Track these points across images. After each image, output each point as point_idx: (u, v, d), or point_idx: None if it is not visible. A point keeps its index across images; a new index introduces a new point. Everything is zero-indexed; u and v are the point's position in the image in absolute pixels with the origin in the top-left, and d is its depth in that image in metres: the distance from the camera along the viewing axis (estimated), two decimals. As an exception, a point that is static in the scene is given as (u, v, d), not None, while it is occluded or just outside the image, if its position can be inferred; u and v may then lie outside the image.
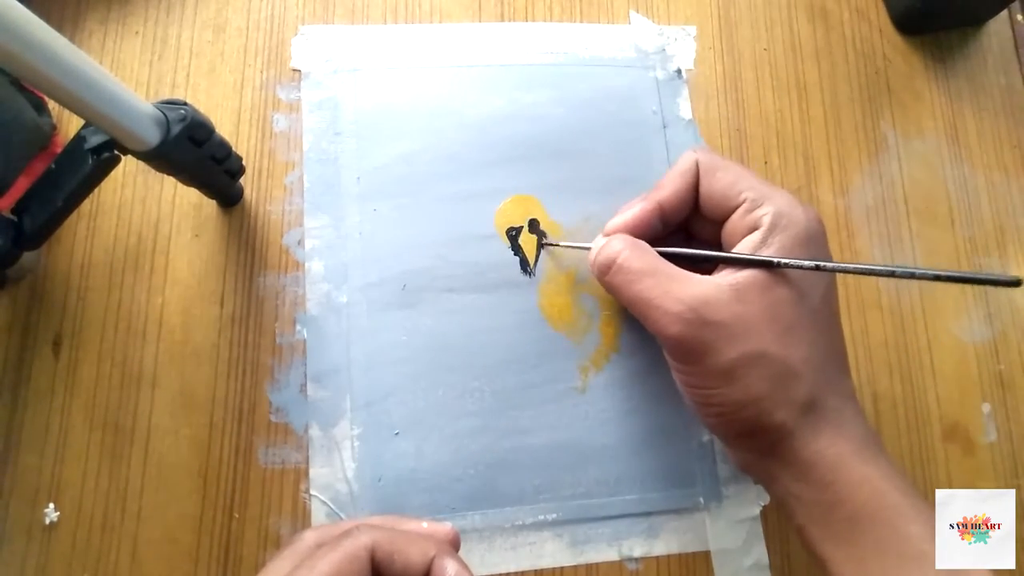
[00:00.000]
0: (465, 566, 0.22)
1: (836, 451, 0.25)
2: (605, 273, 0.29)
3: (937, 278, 0.23)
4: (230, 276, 0.33)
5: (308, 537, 0.24)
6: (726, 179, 0.29)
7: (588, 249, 0.31)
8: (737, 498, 0.33)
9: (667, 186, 0.30)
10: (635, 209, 0.30)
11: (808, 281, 0.27)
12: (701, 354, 0.26)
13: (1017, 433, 0.37)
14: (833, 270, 0.26)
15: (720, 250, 0.29)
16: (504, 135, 0.36)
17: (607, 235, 0.30)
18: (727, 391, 0.26)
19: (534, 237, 0.35)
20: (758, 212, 0.27)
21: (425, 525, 0.25)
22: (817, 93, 0.40)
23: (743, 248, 0.27)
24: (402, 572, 0.22)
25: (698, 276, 0.27)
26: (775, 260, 0.26)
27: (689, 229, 0.31)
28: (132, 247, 0.33)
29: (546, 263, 0.35)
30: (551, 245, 0.35)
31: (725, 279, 0.26)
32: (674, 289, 0.26)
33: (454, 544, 0.25)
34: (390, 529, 0.23)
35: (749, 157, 0.38)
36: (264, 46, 0.36)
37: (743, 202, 0.28)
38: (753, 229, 0.27)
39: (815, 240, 0.27)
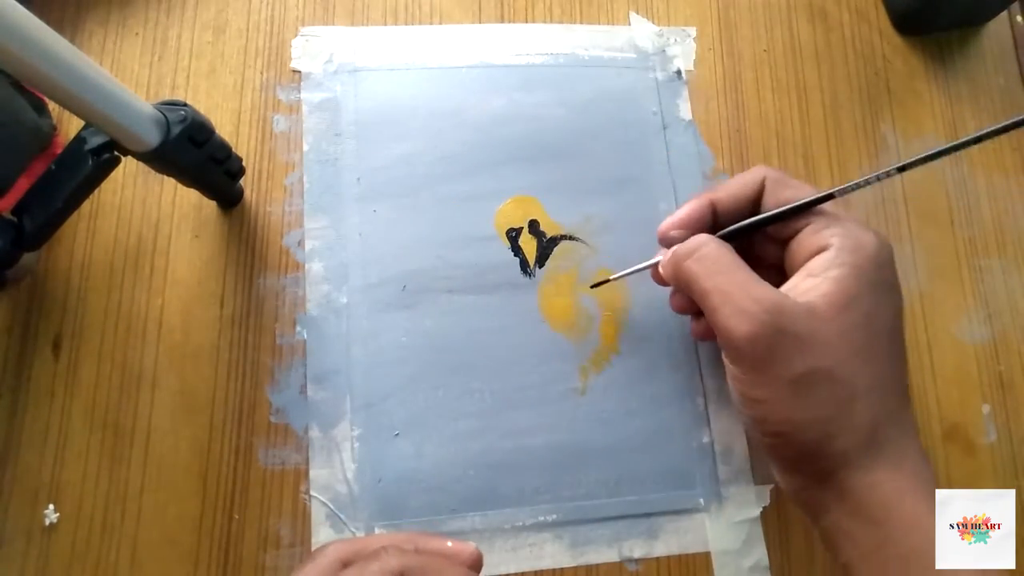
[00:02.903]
0: None
1: (893, 487, 0.24)
2: (685, 259, 0.27)
3: (978, 140, 0.24)
4: (230, 277, 0.33)
5: (331, 552, 0.23)
6: (794, 196, 0.28)
7: (652, 266, 0.31)
8: (737, 499, 0.33)
9: (726, 188, 0.29)
10: (688, 206, 0.29)
11: (880, 307, 0.26)
12: (768, 362, 0.25)
13: (1017, 434, 0.37)
14: (914, 164, 0.26)
15: (784, 275, 0.28)
16: (504, 136, 0.36)
17: (662, 231, 0.30)
18: (791, 408, 0.25)
19: (534, 238, 0.35)
20: (826, 232, 0.27)
21: (450, 544, 0.24)
22: (817, 94, 0.40)
23: (813, 266, 0.26)
24: None
25: (774, 288, 0.26)
26: (834, 191, 0.26)
27: (753, 251, 0.31)
28: (132, 248, 0.33)
29: (548, 264, 0.35)
30: (603, 284, 0.34)
31: (800, 296, 0.26)
32: (752, 289, 0.26)
33: (477, 566, 0.24)
34: (417, 552, 0.23)
35: (749, 158, 0.38)
36: (264, 47, 0.36)
37: (811, 222, 0.27)
38: (821, 249, 0.27)
39: (885, 263, 0.27)
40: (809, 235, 0.27)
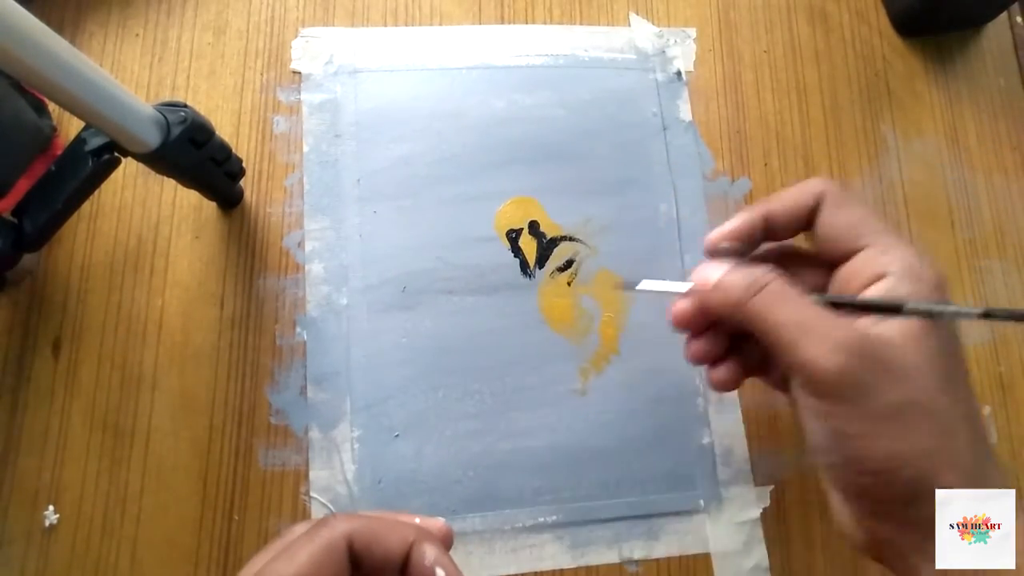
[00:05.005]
0: (446, 553, 0.21)
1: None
2: (752, 292, 0.24)
3: None
4: (230, 278, 0.33)
5: (297, 530, 0.23)
6: (852, 216, 0.26)
7: (682, 292, 0.27)
8: (737, 500, 0.33)
9: (781, 199, 0.27)
10: (739, 217, 0.27)
11: (951, 337, 0.24)
12: (863, 394, 0.22)
13: (1017, 435, 0.37)
14: (1006, 317, 0.23)
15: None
16: (504, 137, 0.36)
17: (712, 242, 0.27)
18: (890, 439, 0.22)
19: (534, 239, 0.35)
20: (883, 259, 0.24)
21: (418, 520, 0.23)
22: (817, 95, 0.40)
23: (871, 294, 0.24)
24: (382, 560, 0.21)
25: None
26: (943, 308, 0.23)
27: (788, 275, 0.26)
28: (132, 249, 0.33)
29: (548, 265, 0.35)
30: (629, 289, 0.29)
31: (868, 328, 0.23)
32: (831, 318, 0.23)
33: (447, 541, 0.23)
34: (369, 517, 0.22)
35: (749, 160, 0.38)
36: (264, 48, 0.36)
37: (866, 246, 0.25)
38: (878, 277, 0.24)
39: (944, 293, 0.25)
40: (864, 262, 0.25)
